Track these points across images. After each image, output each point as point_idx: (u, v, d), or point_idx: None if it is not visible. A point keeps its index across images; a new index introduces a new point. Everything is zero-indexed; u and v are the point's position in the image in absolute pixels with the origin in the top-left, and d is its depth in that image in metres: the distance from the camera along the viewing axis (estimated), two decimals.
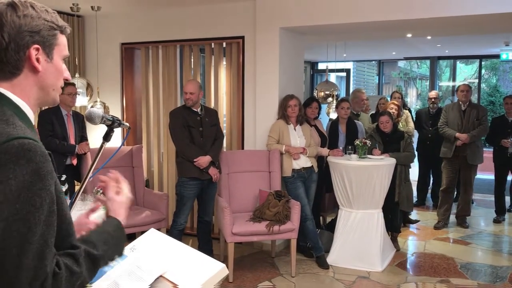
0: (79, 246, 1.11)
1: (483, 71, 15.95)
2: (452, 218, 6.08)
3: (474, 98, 12.72)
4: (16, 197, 0.96)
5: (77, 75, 5.27)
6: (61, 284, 1.02)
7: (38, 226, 0.99)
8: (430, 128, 6.54)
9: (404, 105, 6.63)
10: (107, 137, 1.59)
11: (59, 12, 5.36)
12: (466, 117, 5.73)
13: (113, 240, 1.21)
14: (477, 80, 15.82)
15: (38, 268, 0.98)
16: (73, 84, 4.69)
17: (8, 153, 0.98)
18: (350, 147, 4.75)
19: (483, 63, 15.36)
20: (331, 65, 9.05)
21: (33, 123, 1.15)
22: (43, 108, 4.58)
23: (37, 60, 1.11)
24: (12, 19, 1.07)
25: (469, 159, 5.72)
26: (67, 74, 1.20)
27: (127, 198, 1.37)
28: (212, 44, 5.29)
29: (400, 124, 5.91)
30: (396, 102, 5.93)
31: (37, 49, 1.10)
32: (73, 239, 1.14)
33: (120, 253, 1.26)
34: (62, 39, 1.17)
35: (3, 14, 1.07)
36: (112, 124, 1.57)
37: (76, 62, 5.59)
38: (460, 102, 5.80)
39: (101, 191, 3.77)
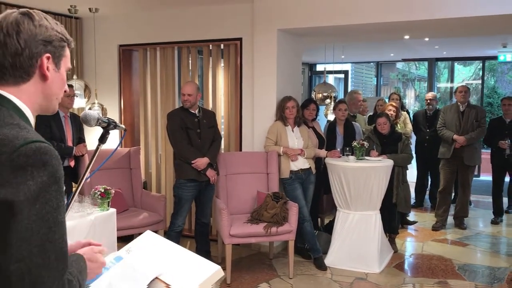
0: (71, 268, 1.14)
1: (481, 72, 15.97)
2: (450, 219, 6.09)
3: (473, 100, 12.71)
4: (35, 198, 0.99)
5: (75, 76, 5.28)
6: None
7: (56, 226, 1.02)
8: (428, 130, 6.55)
9: (402, 107, 6.64)
10: (102, 139, 1.59)
11: (57, 14, 5.37)
12: (465, 118, 5.74)
13: (85, 274, 1.23)
14: (475, 82, 15.85)
15: (59, 267, 1.02)
16: (71, 86, 4.69)
17: (27, 155, 1.01)
18: (347, 149, 4.76)
19: (480, 64, 15.38)
20: (329, 67, 9.05)
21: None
22: None
23: (47, 68, 1.16)
24: (29, 27, 1.13)
25: (466, 160, 5.74)
26: (66, 86, 1.26)
27: (100, 262, 1.35)
28: (210, 45, 5.30)
29: (398, 125, 5.92)
30: (394, 104, 5.94)
31: (48, 58, 1.16)
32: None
33: None
34: (68, 52, 1.24)
35: (21, 22, 1.13)
36: (107, 126, 1.58)
37: (74, 64, 5.59)
38: (459, 103, 5.82)
39: (98, 193, 3.76)
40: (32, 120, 1.17)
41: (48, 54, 1.15)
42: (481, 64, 15.39)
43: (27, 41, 1.12)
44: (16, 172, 0.99)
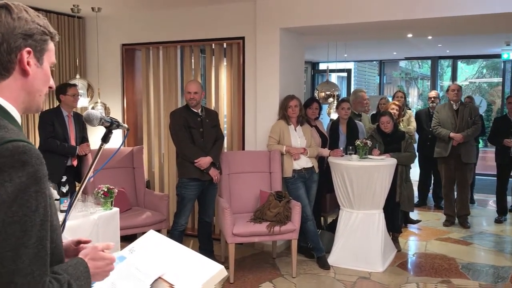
0: (62, 274, 1.09)
1: (484, 71, 15.91)
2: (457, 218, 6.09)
3: (474, 101, 12.62)
4: (12, 200, 0.95)
5: (78, 76, 5.28)
6: None
7: (34, 230, 0.98)
8: (430, 129, 6.53)
9: (405, 105, 6.61)
10: (105, 138, 1.58)
11: (60, 14, 5.37)
12: (460, 116, 5.77)
13: (84, 279, 1.17)
14: (478, 80, 15.77)
15: (35, 272, 0.97)
16: (75, 85, 4.70)
17: (3, 156, 0.96)
18: (350, 148, 4.75)
19: (484, 62, 15.31)
20: (332, 65, 9.02)
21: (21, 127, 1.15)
22: (44, 109, 4.59)
23: (28, 63, 1.11)
24: (6, 20, 1.08)
25: (463, 158, 5.76)
26: (52, 82, 1.20)
27: (106, 260, 1.27)
28: (213, 45, 5.30)
29: (401, 124, 5.90)
30: (397, 103, 5.92)
31: (29, 52, 1.10)
32: (54, 247, 1.11)
33: None
34: (51, 46, 1.18)
35: None
36: (110, 125, 1.57)
37: (77, 63, 5.60)
38: (452, 102, 5.84)
39: (101, 192, 3.77)
40: (18, 118, 1.12)
41: (28, 48, 1.10)
42: (484, 63, 15.32)
43: (5, 34, 1.06)
44: None
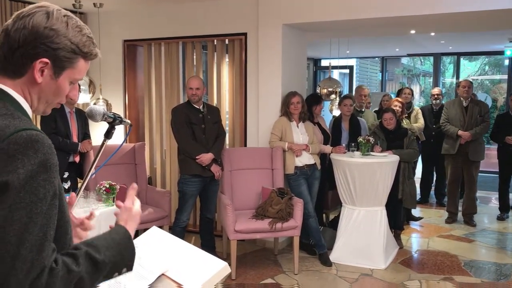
0: (81, 248, 1.10)
1: (486, 68, 15.86)
2: (459, 215, 6.07)
3: (477, 98, 12.59)
4: (22, 186, 0.97)
5: None
6: (57, 280, 1.01)
7: (39, 217, 0.99)
8: (434, 126, 6.51)
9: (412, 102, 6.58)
10: (108, 134, 1.58)
11: None
12: (469, 113, 5.72)
13: (118, 248, 1.17)
14: (480, 77, 15.73)
15: (35, 259, 0.98)
16: None
17: (17, 143, 0.99)
18: (353, 144, 4.74)
19: (486, 59, 15.27)
20: (334, 62, 8.99)
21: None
22: None
23: (42, 72, 1.11)
24: (37, 26, 1.09)
25: (471, 156, 5.73)
26: (72, 94, 1.22)
27: (139, 213, 1.34)
28: (215, 40, 5.28)
29: (404, 121, 5.87)
30: (400, 99, 5.89)
31: (45, 63, 1.11)
32: (69, 239, 1.13)
33: (128, 265, 1.19)
34: (81, 64, 1.18)
35: (34, 18, 1.09)
36: (113, 121, 1.57)
37: None
38: (462, 98, 5.80)
39: (103, 188, 3.76)
40: (29, 112, 1.15)
41: (45, 60, 1.10)
42: (486, 59, 15.27)
43: (28, 38, 1.08)
44: (6, 160, 0.97)
